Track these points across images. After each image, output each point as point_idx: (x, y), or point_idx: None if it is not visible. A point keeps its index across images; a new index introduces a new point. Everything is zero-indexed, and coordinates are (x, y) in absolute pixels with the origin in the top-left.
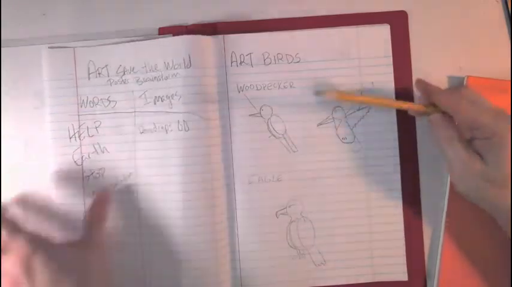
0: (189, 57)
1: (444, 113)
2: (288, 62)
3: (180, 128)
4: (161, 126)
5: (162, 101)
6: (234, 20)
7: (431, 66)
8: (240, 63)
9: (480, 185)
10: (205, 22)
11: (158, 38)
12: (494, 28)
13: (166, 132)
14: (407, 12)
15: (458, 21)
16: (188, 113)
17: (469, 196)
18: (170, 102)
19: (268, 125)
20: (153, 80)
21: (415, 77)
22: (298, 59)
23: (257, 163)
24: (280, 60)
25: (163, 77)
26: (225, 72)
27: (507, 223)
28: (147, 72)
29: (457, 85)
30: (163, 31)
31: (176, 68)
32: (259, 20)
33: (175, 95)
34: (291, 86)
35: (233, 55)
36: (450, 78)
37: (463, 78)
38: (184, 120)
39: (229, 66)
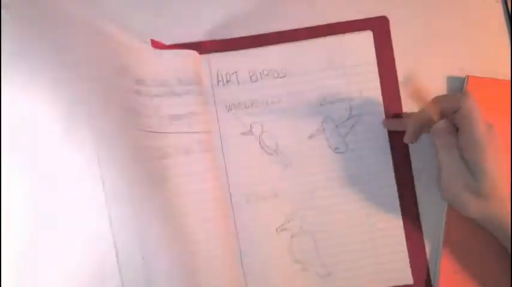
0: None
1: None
2: (274, 77)
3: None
4: None
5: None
6: (218, 38)
7: (431, 67)
8: (226, 82)
9: (465, 197)
10: (188, 42)
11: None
12: (494, 28)
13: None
14: (408, 13)
15: (458, 21)
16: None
17: (454, 205)
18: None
19: (260, 142)
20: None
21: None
22: (284, 74)
23: (253, 181)
24: (266, 76)
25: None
26: (212, 92)
27: (496, 233)
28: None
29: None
30: None
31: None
32: (243, 37)
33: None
34: (279, 101)
35: (219, 74)
36: (450, 78)
37: (464, 78)
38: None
39: (216, 86)
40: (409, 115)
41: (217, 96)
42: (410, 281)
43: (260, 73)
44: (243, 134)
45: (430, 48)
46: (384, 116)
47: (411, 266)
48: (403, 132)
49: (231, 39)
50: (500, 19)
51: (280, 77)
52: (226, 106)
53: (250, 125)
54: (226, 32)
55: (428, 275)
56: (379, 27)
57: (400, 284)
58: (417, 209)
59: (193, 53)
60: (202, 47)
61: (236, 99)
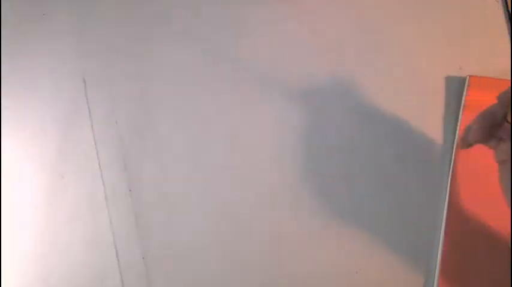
0: None
1: None
2: None
3: None
4: None
5: None
6: None
7: (432, 66)
8: None
9: None
10: None
11: None
12: (494, 28)
13: None
14: (407, 12)
15: (458, 21)
16: None
17: None
18: None
19: None
20: None
21: (415, 76)
22: None
23: None
24: None
25: None
26: None
27: None
28: None
29: None
30: None
31: None
32: None
33: None
34: None
35: None
36: (449, 78)
37: (464, 78)
38: None
39: None
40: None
41: None
42: None
43: None
44: None
45: (430, 47)
46: None
47: None
48: None
49: None
50: (500, 19)
51: None
52: None
53: None
54: None
55: None
56: None
57: None
58: None
59: None
60: None
61: None
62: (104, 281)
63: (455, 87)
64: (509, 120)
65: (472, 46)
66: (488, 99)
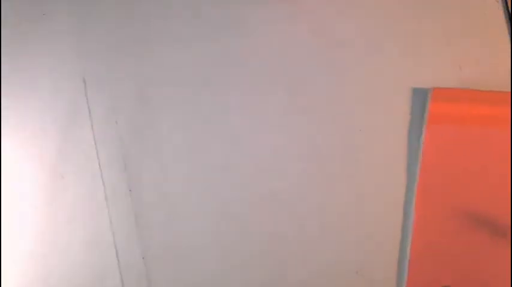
0: None
1: None
2: None
3: None
4: None
5: None
6: None
7: (432, 66)
8: None
9: None
10: None
11: None
12: (494, 28)
13: None
14: (407, 12)
15: (458, 21)
16: None
17: None
18: None
19: None
20: None
21: (414, 76)
22: None
23: None
24: None
25: None
26: None
27: None
28: None
29: None
30: None
31: None
32: None
33: None
34: None
35: None
36: (416, 90)
37: (428, 90)
38: None
39: None
40: None
41: None
42: None
43: None
44: None
45: (430, 47)
46: None
47: None
48: None
49: None
50: (500, 19)
51: None
52: None
53: None
54: None
55: None
56: None
57: None
58: None
59: None
60: None
61: None
62: (104, 281)
63: (421, 100)
64: None
65: (472, 46)
66: (451, 111)
